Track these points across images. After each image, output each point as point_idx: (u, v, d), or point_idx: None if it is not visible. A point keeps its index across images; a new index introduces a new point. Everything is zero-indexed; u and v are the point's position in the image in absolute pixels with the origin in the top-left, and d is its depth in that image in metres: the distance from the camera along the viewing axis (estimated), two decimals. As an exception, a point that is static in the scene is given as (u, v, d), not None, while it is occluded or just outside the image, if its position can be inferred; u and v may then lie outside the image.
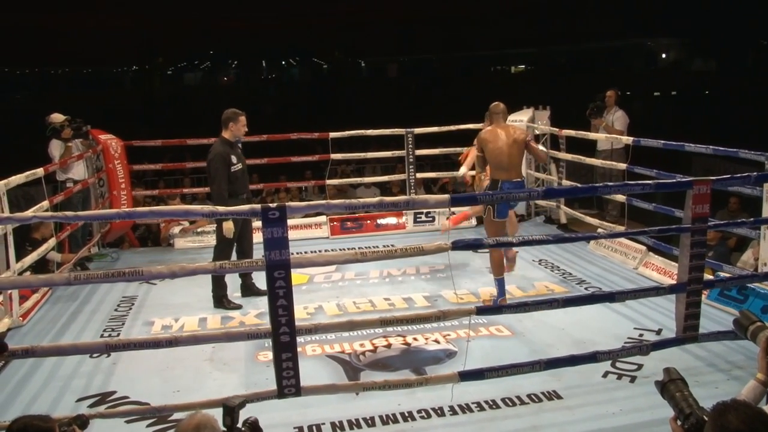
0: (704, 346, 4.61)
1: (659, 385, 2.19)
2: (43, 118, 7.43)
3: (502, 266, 5.60)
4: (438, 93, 33.48)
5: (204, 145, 8.87)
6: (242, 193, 5.88)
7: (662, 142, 6.48)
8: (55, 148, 7.28)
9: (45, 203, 5.96)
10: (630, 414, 3.90)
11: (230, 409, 2.38)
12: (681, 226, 4.17)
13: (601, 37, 38.57)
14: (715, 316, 5.15)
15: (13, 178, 5.42)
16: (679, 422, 2.03)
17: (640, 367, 4.44)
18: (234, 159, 5.79)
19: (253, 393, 3.74)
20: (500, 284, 5.58)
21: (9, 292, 5.32)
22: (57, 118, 7.36)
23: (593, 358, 4.06)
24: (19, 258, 5.57)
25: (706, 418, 1.92)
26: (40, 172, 5.99)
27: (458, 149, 8.14)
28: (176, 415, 3.79)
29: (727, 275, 5.31)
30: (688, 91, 30.18)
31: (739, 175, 4.35)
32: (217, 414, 2.36)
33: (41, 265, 6.42)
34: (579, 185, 5.94)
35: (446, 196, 3.87)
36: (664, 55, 40.71)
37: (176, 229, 8.22)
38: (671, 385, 2.14)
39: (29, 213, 3.53)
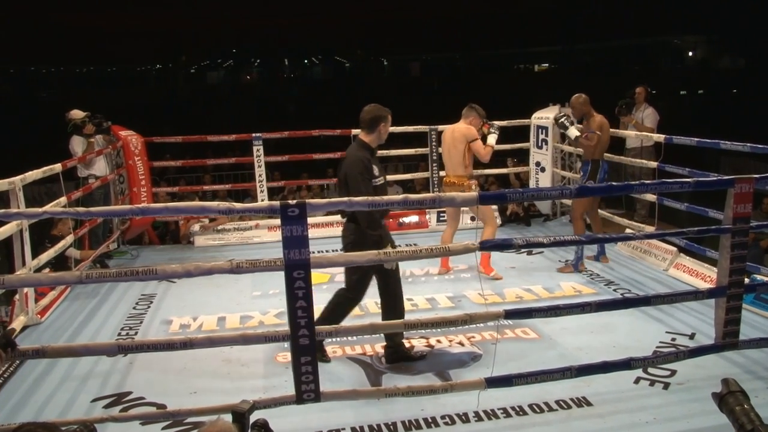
0: (742, 352, 4.39)
1: (717, 398, 2.01)
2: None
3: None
4: (461, 91, 33.29)
5: (225, 142, 8.84)
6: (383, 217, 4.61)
7: (696, 139, 6.24)
8: (77, 144, 7.24)
9: (63, 199, 5.89)
10: (664, 423, 3.71)
11: (240, 414, 2.27)
12: (721, 226, 3.96)
13: (626, 35, 38.05)
14: (750, 320, 4.93)
15: (30, 173, 5.34)
16: None
17: (673, 373, 4.24)
18: (376, 170, 4.50)
19: (271, 398, 3.61)
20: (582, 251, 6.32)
21: (26, 290, 5.25)
22: (77, 114, 7.33)
23: (627, 365, 3.87)
24: (37, 255, 5.51)
25: None
26: (57, 167, 5.92)
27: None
28: (191, 417, 3.69)
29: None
30: (716, 90, 29.66)
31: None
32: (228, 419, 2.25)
33: (61, 262, 6.38)
34: (613, 183, 5.74)
35: (474, 194, 3.72)
36: (690, 53, 40.10)
37: (196, 227, 8.14)
38: (730, 398, 1.96)
39: (40, 209, 3.42)
